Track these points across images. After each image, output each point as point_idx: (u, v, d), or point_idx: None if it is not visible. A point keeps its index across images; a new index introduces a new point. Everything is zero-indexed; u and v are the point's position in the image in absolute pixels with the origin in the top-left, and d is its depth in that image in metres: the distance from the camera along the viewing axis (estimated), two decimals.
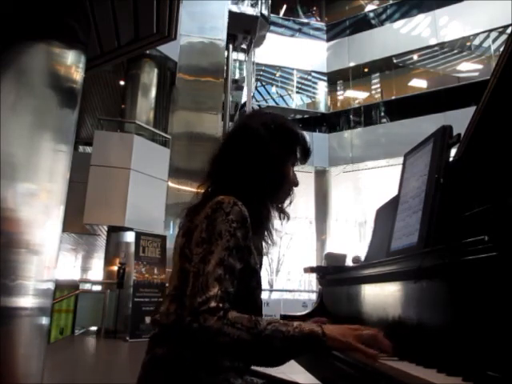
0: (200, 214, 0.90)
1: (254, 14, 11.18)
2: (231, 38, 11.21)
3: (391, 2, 13.48)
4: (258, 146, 0.98)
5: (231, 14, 10.66)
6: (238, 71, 11.97)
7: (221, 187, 0.95)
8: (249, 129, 1.02)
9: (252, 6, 11.34)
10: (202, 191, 1.02)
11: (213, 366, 0.85)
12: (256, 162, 0.97)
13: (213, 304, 0.77)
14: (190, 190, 8.65)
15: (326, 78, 14.16)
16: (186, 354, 0.85)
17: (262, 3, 11.58)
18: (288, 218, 1.07)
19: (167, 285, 6.78)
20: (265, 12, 11.72)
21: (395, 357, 0.84)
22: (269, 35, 13.08)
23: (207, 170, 1.02)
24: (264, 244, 1.04)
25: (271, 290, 14.68)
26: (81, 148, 12.25)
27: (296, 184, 1.07)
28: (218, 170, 1.00)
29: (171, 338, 0.87)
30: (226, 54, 10.68)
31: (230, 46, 11.34)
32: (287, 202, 1.07)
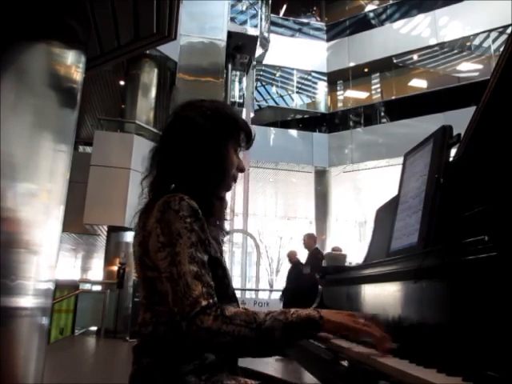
0: (150, 219, 0.88)
1: (254, 33, 10.95)
2: (230, 58, 10.98)
3: (391, 2, 13.47)
4: (194, 135, 0.96)
5: (230, 33, 10.46)
6: (237, 85, 11.88)
7: (164, 181, 0.95)
8: (183, 118, 0.99)
9: (252, 25, 11.15)
10: (147, 186, 1.01)
11: (201, 368, 0.83)
12: (194, 150, 0.95)
13: (203, 303, 0.76)
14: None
15: (325, 78, 14.15)
16: (171, 361, 0.83)
17: (261, 21, 11.46)
18: (226, 206, 1.03)
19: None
20: (265, 31, 11.54)
21: (396, 356, 0.84)
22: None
23: (148, 162, 1.01)
24: (220, 233, 1.03)
25: (271, 290, 14.65)
26: (81, 148, 12.26)
27: (241, 169, 1.04)
28: (160, 163, 0.98)
29: (153, 348, 0.86)
30: (224, 74, 10.48)
31: (230, 66, 11.12)
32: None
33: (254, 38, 10.93)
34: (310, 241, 5.71)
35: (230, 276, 0.96)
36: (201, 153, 0.95)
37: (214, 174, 0.96)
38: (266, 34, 11.59)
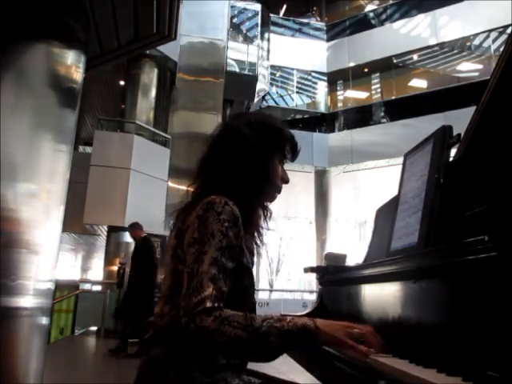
0: (191, 215, 0.90)
1: (252, 79, 10.74)
2: (227, 103, 10.74)
3: (391, 1, 13.47)
4: (242, 145, 0.99)
5: (228, 76, 10.30)
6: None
7: (210, 187, 0.96)
8: (232, 128, 1.03)
9: (250, 69, 10.90)
10: (192, 190, 1.03)
11: (209, 365, 0.85)
12: (241, 161, 0.98)
13: (208, 304, 0.78)
14: (190, 189, 8.65)
15: (325, 78, 14.15)
16: (181, 354, 0.85)
17: (260, 63, 11.31)
18: (270, 215, 1.06)
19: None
20: (264, 74, 11.43)
21: (396, 356, 0.84)
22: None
23: (196, 169, 1.04)
24: (254, 243, 1.05)
25: (271, 290, 14.66)
26: (81, 148, 12.27)
27: (286, 181, 1.07)
28: (207, 170, 1.01)
29: (166, 340, 0.87)
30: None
31: (228, 110, 10.94)
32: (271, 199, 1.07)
33: (252, 82, 10.70)
34: (134, 231, 5.17)
35: (254, 287, 0.98)
36: (247, 163, 0.98)
37: (258, 185, 0.99)
38: (265, 79, 11.47)
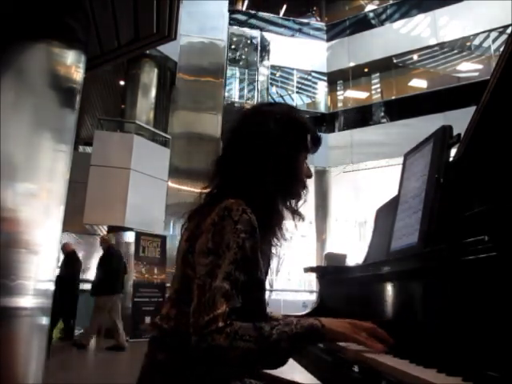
0: (206, 219, 0.85)
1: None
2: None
3: (391, 1, 13.47)
4: (267, 141, 0.91)
5: (226, 106, 10.27)
6: None
7: (229, 188, 0.90)
8: (254, 124, 0.95)
9: (248, 99, 10.83)
10: (206, 192, 0.96)
11: (211, 370, 0.84)
12: (265, 157, 0.91)
13: (220, 324, 0.75)
14: (190, 190, 8.67)
15: (325, 78, 14.14)
16: (184, 359, 0.84)
17: (258, 92, 11.30)
18: (303, 219, 1.01)
19: (168, 285, 6.79)
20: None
21: (396, 356, 0.84)
22: (269, 35, 13.13)
23: (212, 170, 0.96)
24: (276, 245, 1.01)
25: (271, 290, 14.66)
26: (81, 148, 12.25)
27: (309, 176, 1.00)
28: (225, 170, 0.94)
29: (170, 344, 0.86)
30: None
31: None
32: (301, 201, 1.00)
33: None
34: None
35: (265, 297, 0.95)
36: (272, 160, 0.91)
37: (284, 182, 0.93)
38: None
